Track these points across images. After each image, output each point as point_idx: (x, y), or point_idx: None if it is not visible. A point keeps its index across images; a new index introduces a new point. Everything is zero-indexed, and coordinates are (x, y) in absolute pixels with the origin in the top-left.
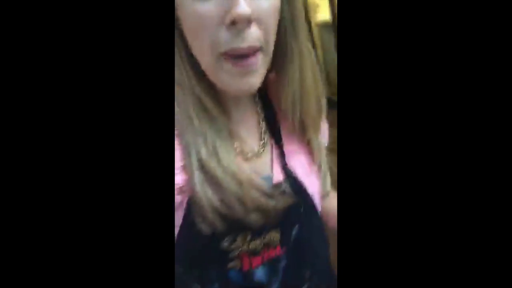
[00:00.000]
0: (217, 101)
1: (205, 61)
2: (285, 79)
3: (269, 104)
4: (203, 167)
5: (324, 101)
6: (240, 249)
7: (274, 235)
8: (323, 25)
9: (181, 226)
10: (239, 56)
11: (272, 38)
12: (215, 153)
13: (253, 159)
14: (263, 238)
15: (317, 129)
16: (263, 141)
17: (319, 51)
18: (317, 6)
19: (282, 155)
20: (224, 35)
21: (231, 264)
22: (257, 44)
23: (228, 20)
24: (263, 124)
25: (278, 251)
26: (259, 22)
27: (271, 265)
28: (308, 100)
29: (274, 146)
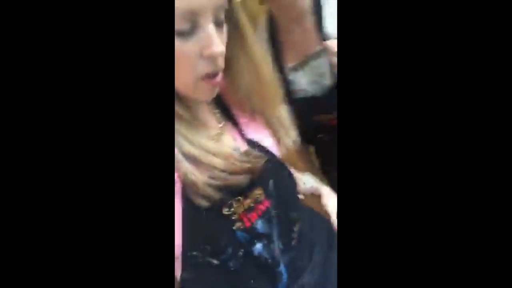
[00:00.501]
0: (181, 104)
1: (183, 82)
2: (233, 80)
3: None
4: (188, 157)
5: (278, 83)
6: (237, 211)
7: (259, 191)
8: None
9: (183, 210)
10: (213, 75)
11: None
12: (195, 144)
13: (219, 140)
14: (251, 196)
15: (277, 106)
16: (221, 124)
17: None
18: None
19: (239, 130)
20: (201, 64)
21: (235, 226)
22: (223, 65)
23: (205, 54)
24: (217, 111)
25: (266, 203)
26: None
27: (266, 216)
28: (263, 87)
29: (232, 126)
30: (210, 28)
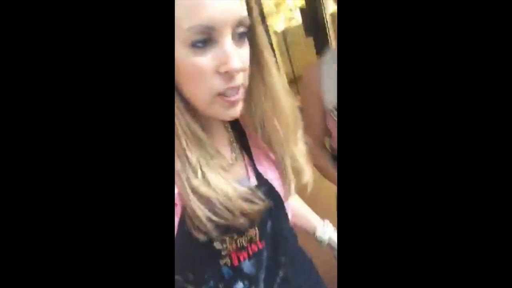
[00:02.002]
0: (201, 125)
1: (200, 99)
2: (249, 107)
3: (234, 123)
4: (195, 191)
5: (297, 114)
6: (229, 248)
7: (254, 232)
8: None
9: (176, 235)
10: (229, 94)
11: (246, 74)
12: (204, 178)
13: (230, 170)
14: (246, 236)
15: (293, 140)
16: (234, 154)
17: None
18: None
19: (252, 163)
20: (218, 81)
21: (222, 262)
22: (242, 82)
23: (222, 70)
24: (233, 140)
25: (259, 245)
26: (243, 66)
27: (256, 257)
28: (279, 117)
29: (245, 156)
30: (228, 43)
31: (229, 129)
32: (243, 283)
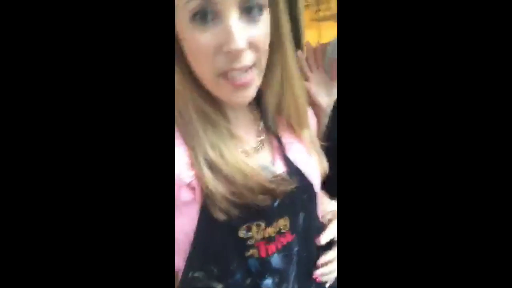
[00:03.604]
0: (216, 108)
1: (206, 79)
2: (268, 86)
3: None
4: (211, 167)
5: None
6: (256, 237)
7: (284, 223)
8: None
9: (199, 221)
10: (234, 75)
11: (265, 56)
12: (220, 154)
13: (253, 155)
14: (275, 226)
15: (304, 124)
16: (261, 138)
17: None
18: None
19: (281, 148)
20: (221, 60)
21: (249, 253)
22: (249, 63)
23: (225, 49)
24: (260, 123)
25: (289, 238)
26: (252, 46)
27: (285, 251)
28: (291, 103)
29: (273, 140)
30: (231, 19)
31: (255, 111)
32: (273, 279)
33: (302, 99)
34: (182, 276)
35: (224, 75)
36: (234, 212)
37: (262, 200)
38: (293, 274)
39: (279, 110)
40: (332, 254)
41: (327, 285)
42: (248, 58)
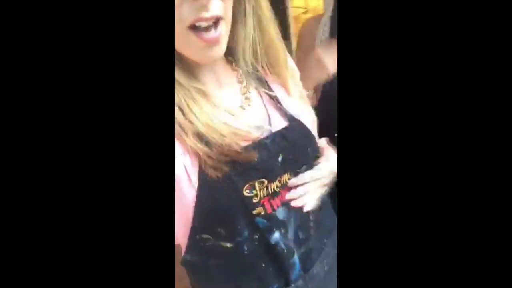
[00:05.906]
0: (187, 71)
1: (176, 35)
2: (242, 33)
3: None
4: (192, 129)
5: (285, 53)
6: (259, 194)
7: (289, 177)
8: None
9: (199, 186)
10: (204, 29)
11: (230, 5)
12: (196, 116)
13: (241, 114)
14: (278, 181)
15: (286, 70)
16: (245, 94)
17: None
18: None
19: (273, 102)
20: (188, 8)
21: (256, 211)
22: (219, 13)
23: None
24: (244, 80)
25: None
26: None
27: (288, 203)
28: (269, 50)
29: (263, 94)
30: None
31: (236, 69)
32: (280, 231)
33: (281, 45)
34: (189, 241)
35: (192, 27)
36: (225, 168)
37: (250, 156)
38: (292, 221)
39: (257, 59)
40: (303, 177)
41: (305, 209)
42: (216, 6)
